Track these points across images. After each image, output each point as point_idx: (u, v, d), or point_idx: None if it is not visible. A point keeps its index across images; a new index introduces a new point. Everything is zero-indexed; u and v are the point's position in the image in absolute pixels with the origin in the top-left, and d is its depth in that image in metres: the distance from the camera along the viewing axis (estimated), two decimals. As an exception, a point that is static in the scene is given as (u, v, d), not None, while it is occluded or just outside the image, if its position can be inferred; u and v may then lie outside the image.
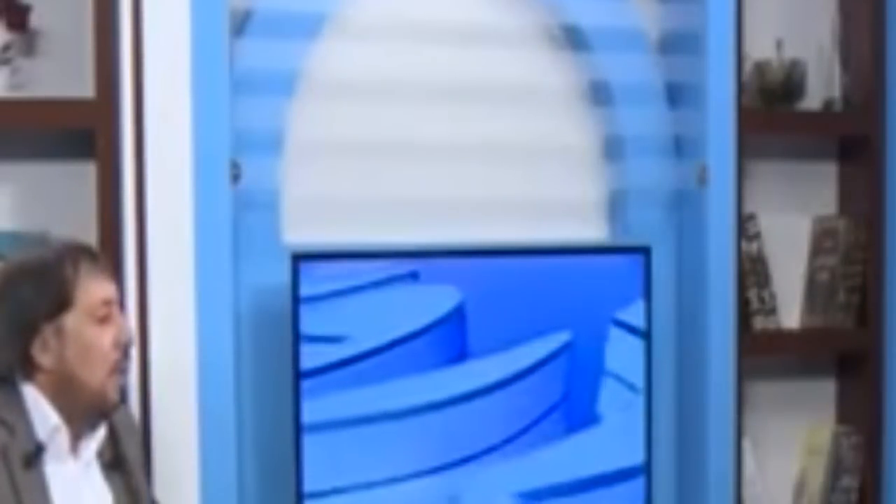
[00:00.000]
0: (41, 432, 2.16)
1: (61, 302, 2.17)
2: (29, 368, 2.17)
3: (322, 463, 2.83)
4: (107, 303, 2.22)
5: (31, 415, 2.17)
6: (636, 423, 3.11)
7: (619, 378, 3.11)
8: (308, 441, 2.81)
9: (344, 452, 2.86)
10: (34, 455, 2.14)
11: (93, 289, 2.20)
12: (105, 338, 2.20)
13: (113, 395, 2.23)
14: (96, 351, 2.19)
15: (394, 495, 2.91)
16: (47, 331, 2.16)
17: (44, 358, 2.17)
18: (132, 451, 2.36)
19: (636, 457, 3.12)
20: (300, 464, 2.81)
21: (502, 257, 3.01)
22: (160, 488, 2.65)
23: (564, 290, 3.04)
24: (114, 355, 2.21)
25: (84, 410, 2.21)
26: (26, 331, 2.16)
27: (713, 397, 3.21)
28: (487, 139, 3.13)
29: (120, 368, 2.24)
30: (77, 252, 2.22)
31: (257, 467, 2.92)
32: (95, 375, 2.19)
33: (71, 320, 2.17)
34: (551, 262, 3.04)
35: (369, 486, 2.89)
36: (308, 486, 2.82)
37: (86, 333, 2.18)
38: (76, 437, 2.22)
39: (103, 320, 2.21)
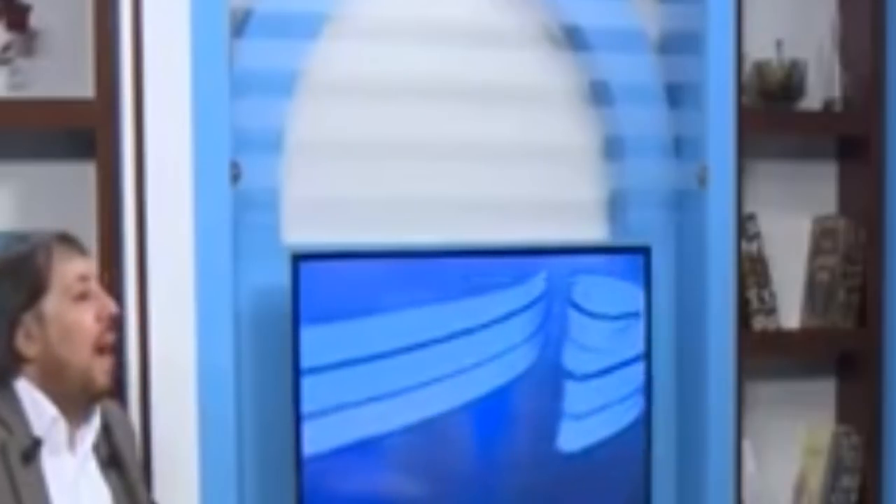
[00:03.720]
0: (38, 428, 2.16)
1: (37, 289, 2.18)
2: (17, 363, 2.18)
3: (322, 464, 2.84)
4: (83, 278, 2.22)
5: (27, 411, 2.17)
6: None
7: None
8: (308, 442, 2.81)
9: (344, 454, 2.86)
10: (32, 451, 2.14)
11: (66, 267, 2.21)
12: (86, 314, 2.21)
13: (101, 375, 2.22)
14: (78, 328, 2.19)
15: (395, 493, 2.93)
16: (28, 320, 2.17)
17: (29, 348, 2.18)
18: (128, 449, 2.36)
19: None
20: (300, 464, 2.81)
21: (502, 257, 3.00)
22: (160, 488, 2.65)
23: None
24: (96, 329, 2.21)
25: (76, 395, 2.21)
26: (9, 326, 2.17)
27: (713, 397, 3.21)
28: (487, 139, 3.13)
29: (105, 344, 2.23)
30: (49, 239, 2.23)
31: (257, 468, 2.92)
32: (81, 353, 2.19)
33: (49, 304, 2.18)
34: (551, 261, 3.05)
35: (370, 486, 2.90)
36: (308, 486, 2.82)
37: (66, 313, 2.19)
38: (73, 430, 2.22)
39: (82, 297, 2.21)
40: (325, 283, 2.82)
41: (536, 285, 3.02)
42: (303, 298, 2.79)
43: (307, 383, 2.80)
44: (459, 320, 2.95)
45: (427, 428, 2.93)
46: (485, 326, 2.98)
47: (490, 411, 2.99)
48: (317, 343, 2.81)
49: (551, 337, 3.04)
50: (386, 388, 2.89)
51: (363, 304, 2.87)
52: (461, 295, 2.95)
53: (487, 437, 3.00)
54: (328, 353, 2.83)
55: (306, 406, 2.80)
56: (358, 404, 2.86)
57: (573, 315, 3.06)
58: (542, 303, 3.03)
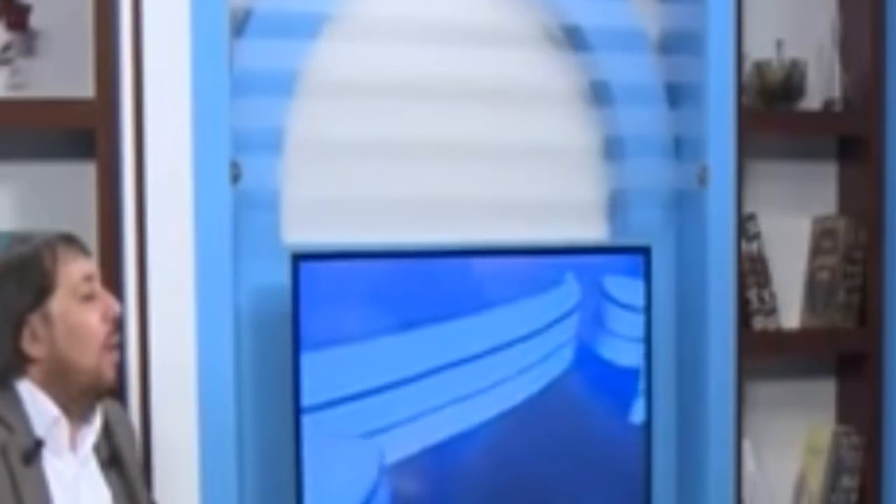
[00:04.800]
0: (40, 428, 2.17)
1: (44, 289, 2.18)
2: (22, 364, 2.18)
3: (322, 465, 2.84)
4: (88, 279, 2.23)
5: (28, 411, 2.17)
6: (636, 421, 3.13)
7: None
8: (307, 443, 2.81)
9: (344, 454, 2.86)
10: (33, 451, 2.14)
11: (71, 268, 2.21)
12: (92, 315, 2.22)
13: (108, 372, 2.24)
14: (85, 329, 2.20)
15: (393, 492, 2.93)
16: (34, 321, 2.18)
17: (35, 349, 2.18)
18: (128, 449, 2.37)
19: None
20: (300, 466, 2.81)
21: (502, 257, 3.00)
22: (160, 489, 2.65)
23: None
24: (103, 330, 2.23)
25: (81, 394, 2.22)
26: (15, 327, 2.17)
27: (713, 397, 3.21)
28: (488, 139, 3.13)
29: (112, 344, 2.25)
30: (53, 240, 2.24)
31: (257, 468, 2.92)
32: (88, 353, 2.20)
33: (56, 304, 2.19)
34: (551, 261, 3.05)
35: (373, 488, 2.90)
36: (308, 487, 2.82)
37: (72, 313, 2.20)
38: (74, 430, 2.23)
39: (88, 298, 2.22)
40: (325, 283, 2.82)
41: (570, 288, 3.04)
42: (303, 298, 2.79)
43: (307, 384, 2.80)
44: (460, 322, 2.95)
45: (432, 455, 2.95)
46: (513, 340, 3.01)
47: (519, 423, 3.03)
48: (320, 364, 2.81)
49: (584, 342, 3.07)
50: (392, 411, 2.90)
51: (365, 306, 2.87)
52: (462, 295, 2.95)
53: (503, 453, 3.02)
54: (333, 385, 2.83)
55: (306, 406, 2.80)
56: (369, 434, 2.87)
57: (611, 310, 3.08)
58: (581, 307, 3.06)
